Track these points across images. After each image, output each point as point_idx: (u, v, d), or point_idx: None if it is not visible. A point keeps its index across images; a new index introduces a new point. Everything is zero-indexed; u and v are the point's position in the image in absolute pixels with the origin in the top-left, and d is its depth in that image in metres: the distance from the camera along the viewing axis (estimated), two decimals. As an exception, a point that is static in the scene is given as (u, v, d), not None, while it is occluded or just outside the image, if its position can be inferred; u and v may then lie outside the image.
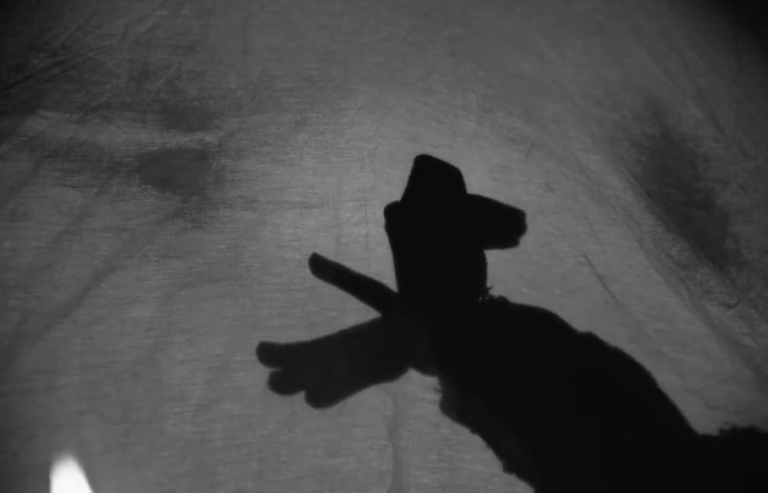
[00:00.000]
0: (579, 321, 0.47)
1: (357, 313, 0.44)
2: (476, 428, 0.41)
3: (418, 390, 0.42)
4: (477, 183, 0.53)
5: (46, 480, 0.36)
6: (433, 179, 0.53)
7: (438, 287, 0.47)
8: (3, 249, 0.43)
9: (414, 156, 0.53)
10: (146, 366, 0.40)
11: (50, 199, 0.45)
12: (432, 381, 0.43)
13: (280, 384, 0.41)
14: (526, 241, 0.51)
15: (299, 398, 0.41)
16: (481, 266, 0.48)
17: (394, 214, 0.50)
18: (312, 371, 0.42)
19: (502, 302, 0.47)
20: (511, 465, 0.40)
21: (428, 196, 0.52)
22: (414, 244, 0.49)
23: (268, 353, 0.42)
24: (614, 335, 0.46)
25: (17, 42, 0.53)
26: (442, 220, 0.51)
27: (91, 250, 0.44)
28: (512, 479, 0.40)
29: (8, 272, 0.42)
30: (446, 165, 0.53)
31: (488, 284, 0.47)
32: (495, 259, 0.49)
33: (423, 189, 0.52)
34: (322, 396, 0.41)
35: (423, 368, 0.43)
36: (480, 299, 0.47)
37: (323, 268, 0.46)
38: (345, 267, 0.46)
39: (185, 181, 0.49)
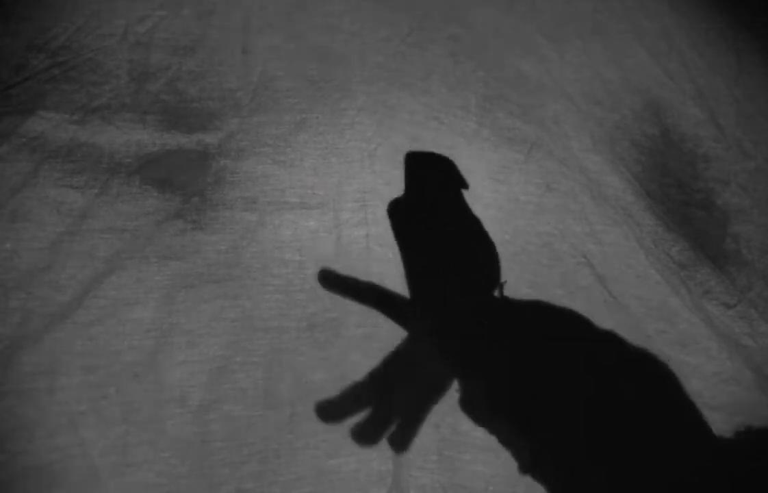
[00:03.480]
0: (579, 321, 0.47)
1: (358, 314, 0.44)
2: (478, 426, 0.41)
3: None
4: (477, 183, 0.53)
5: (47, 481, 0.36)
6: (433, 180, 0.53)
7: (443, 289, 0.47)
8: (3, 250, 0.43)
9: (414, 156, 0.53)
10: (146, 367, 0.40)
11: (50, 200, 0.45)
12: (433, 381, 0.43)
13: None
14: (526, 241, 0.51)
15: (299, 398, 0.41)
16: (481, 266, 0.48)
17: (396, 216, 0.49)
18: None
19: (503, 302, 0.47)
20: (513, 464, 0.40)
21: (428, 196, 0.52)
22: (417, 246, 0.49)
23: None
24: (614, 335, 0.46)
25: (17, 42, 0.53)
26: (443, 222, 0.51)
27: (91, 251, 0.44)
28: (513, 478, 0.40)
29: (9, 272, 0.42)
30: (446, 165, 0.53)
31: (495, 283, 0.47)
32: (494, 259, 0.49)
33: (423, 189, 0.52)
34: (326, 404, 0.41)
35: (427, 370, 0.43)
36: (487, 295, 0.47)
37: (331, 280, 0.46)
38: (353, 278, 0.46)
39: (185, 182, 0.49)
